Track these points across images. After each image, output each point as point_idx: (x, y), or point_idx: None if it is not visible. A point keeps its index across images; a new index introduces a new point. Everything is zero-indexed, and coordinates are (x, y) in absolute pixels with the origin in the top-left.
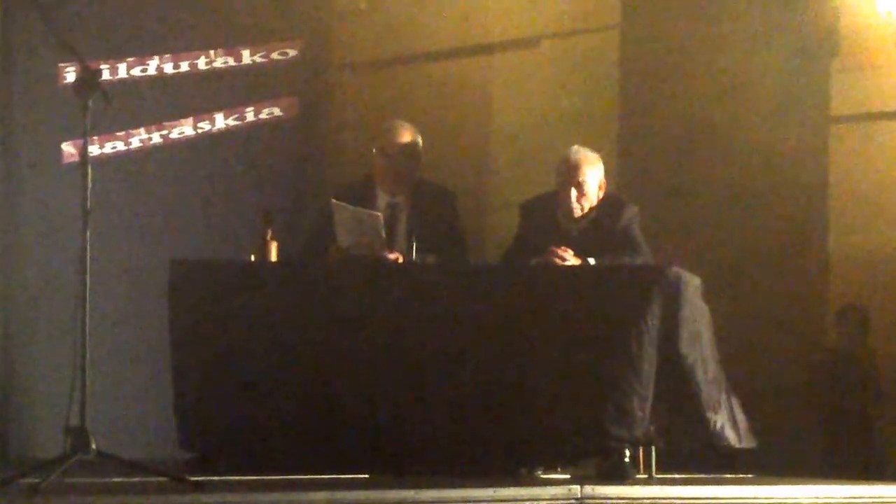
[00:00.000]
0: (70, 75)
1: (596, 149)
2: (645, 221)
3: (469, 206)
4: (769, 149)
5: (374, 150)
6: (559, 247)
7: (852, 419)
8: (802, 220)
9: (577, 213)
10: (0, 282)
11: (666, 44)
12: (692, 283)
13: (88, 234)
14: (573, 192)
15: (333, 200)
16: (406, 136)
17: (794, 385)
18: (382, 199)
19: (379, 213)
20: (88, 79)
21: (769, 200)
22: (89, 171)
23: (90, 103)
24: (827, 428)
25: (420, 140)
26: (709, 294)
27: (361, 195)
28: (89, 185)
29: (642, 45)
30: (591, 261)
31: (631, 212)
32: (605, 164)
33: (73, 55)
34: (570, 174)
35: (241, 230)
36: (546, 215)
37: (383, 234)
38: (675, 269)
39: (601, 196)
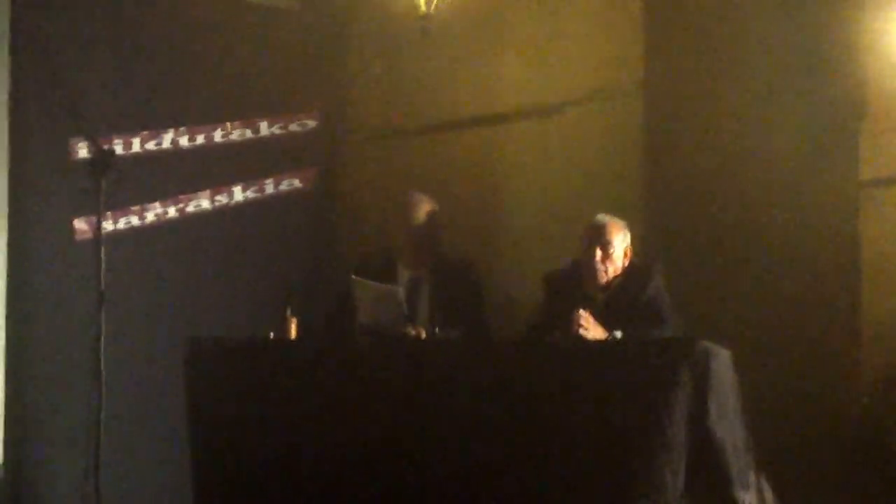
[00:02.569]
0: (82, 150)
1: (621, 217)
2: (672, 287)
3: (491, 276)
4: (798, 214)
5: (394, 224)
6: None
7: (885, 497)
8: (833, 285)
9: (603, 278)
10: (12, 359)
11: (691, 109)
12: (721, 357)
13: (103, 315)
14: (598, 254)
15: (354, 276)
16: (426, 209)
17: (824, 460)
18: (403, 273)
19: (400, 289)
20: (102, 159)
21: (799, 266)
22: (103, 252)
23: (103, 183)
24: None
25: (438, 212)
26: (737, 363)
27: (382, 269)
28: (104, 266)
29: (666, 110)
30: (618, 333)
31: (658, 280)
32: (630, 233)
33: (86, 134)
34: (595, 237)
35: (259, 305)
36: (571, 286)
37: (405, 310)
38: (704, 342)
39: (627, 264)
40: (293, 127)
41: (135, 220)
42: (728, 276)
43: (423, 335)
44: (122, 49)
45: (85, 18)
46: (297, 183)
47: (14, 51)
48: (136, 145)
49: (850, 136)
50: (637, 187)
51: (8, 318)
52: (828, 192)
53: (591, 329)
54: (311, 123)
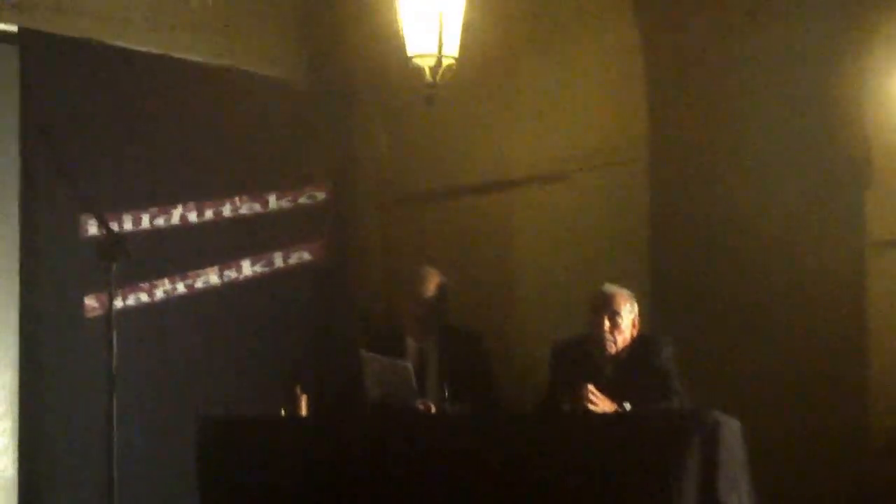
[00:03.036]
0: (92, 227)
1: (628, 286)
2: (680, 355)
3: (501, 342)
4: (804, 276)
5: (402, 296)
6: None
7: None
8: (841, 349)
9: (612, 348)
10: (24, 437)
11: (696, 174)
12: (731, 426)
13: (115, 400)
14: (606, 324)
15: (363, 352)
16: (434, 281)
17: None
18: (411, 344)
19: (409, 364)
20: (111, 244)
21: (806, 330)
22: (115, 336)
23: (113, 267)
24: None
25: (447, 285)
26: (746, 432)
27: (390, 341)
28: (115, 349)
29: (671, 175)
30: (627, 405)
31: (667, 350)
32: (638, 302)
33: (95, 216)
34: (603, 307)
35: (269, 381)
36: (579, 356)
37: (414, 385)
38: (714, 413)
39: (635, 334)
40: (302, 200)
41: (144, 297)
42: (735, 343)
43: (433, 409)
44: (131, 126)
45: (92, 98)
46: (306, 256)
47: (24, 132)
48: (145, 221)
49: (855, 197)
50: (643, 254)
51: (20, 394)
52: (834, 255)
53: (600, 403)
54: (320, 196)
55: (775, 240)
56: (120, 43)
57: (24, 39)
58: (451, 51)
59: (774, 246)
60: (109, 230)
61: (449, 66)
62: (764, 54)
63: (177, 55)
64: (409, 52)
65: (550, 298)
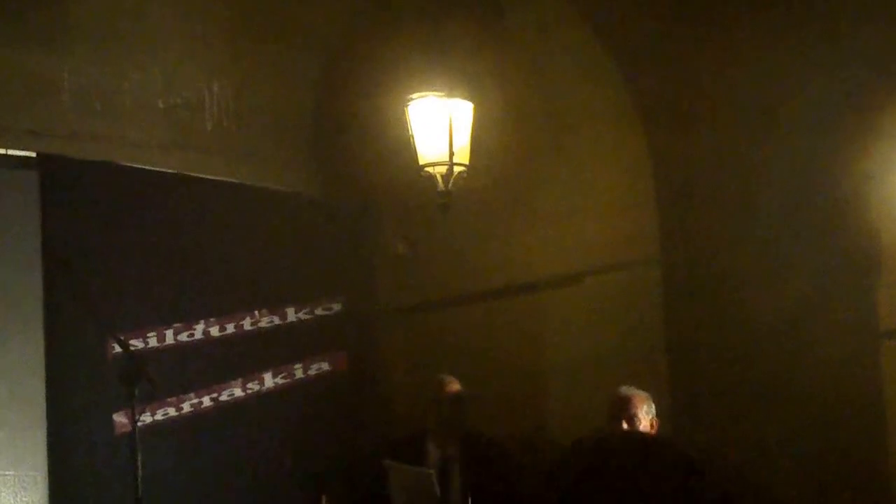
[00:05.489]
0: (118, 347)
1: (645, 387)
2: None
3: (520, 446)
4: (819, 369)
5: (423, 404)
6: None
7: None
8: (858, 440)
9: None
10: None
11: (706, 273)
12: None
13: None
14: (624, 426)
15: (386, 461)
16: (453, 386)
17: None
18: (434, 452)
19: (432, 472)
20: (134, 367)
21: (823, 421)
22: (139, 457)
23: (136, 390)
24: None
25: (465, 392)
26: None
27: (413, 449)
28: (140, 472)
29: (684, 274)
30: None
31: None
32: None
33: (117, 342)
34: (620, 408)
35: (295, 492)
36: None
37: (437, 492)
38: None
39: (654, 435)
40: (319, 311)
41: (172, 412)
42: (753, 435)
43: None
44: (151, 245)
45: (112, 219)
46: (325, 366)
47: (45, 259)
48: (169, 337)
49: (866, 287)
50: (659, 351)
51: None
52: (847, 345)
53: None
54: (337, 307)
55: (788, 330)
56: (137, 165)
57: (43, 164)
58: (462, 158)
59: (788, 337)
60: (130, 353)
61: (460, 174)
62: (770, 154)
63: (194, 174)
64: (421, 162)
65: (574, 400)
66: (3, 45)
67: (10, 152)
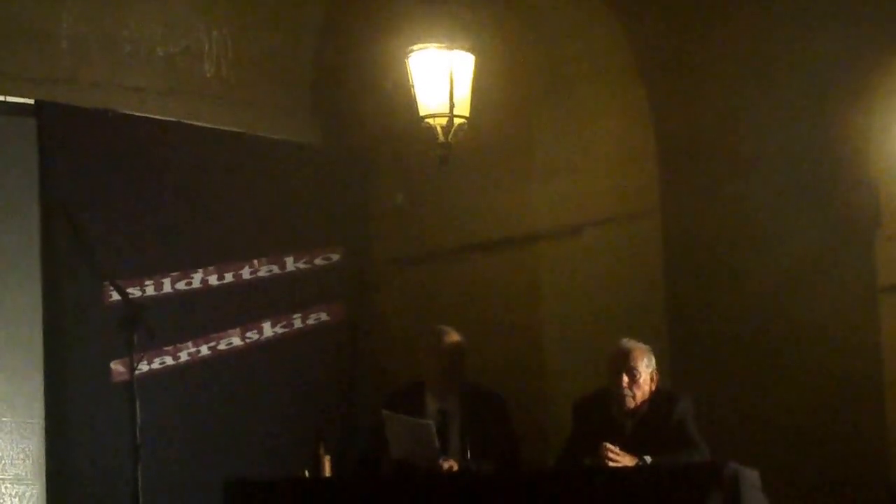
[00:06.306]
0: (115, 294)
1: (645, 340)
2: (699, 407)
3: (521, 400)
4: (818, 324)
5: (421, 355)
6: (612, 443)
7: None
8: (857, 396)
9: (630, 402)
10: (50, 502)
11: (706, 226)
12: (749, 477)
13: (140, 468)
14: (625, 380)
15: (385, 411)
16: (452, 340)
17: None
18: (432, 404)
19: (430, 422)
20: (131, 313)
21: (821, 378)
22: (138, 404)
23: (135, 337)
24: None
25: (464, 343)
26: (764, 482)
27: (411, 401)
28: (138, 415)
29: (683, 229)
30: (648, 458)
31: (685, 404)
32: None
33: (115, 288)
34: (621, 362)
35: (292, 442)
36: (599, 412)
37: (436, 443)
38: (732, 465)
39: (653, 389)
40: (318, 261)
41: (169, 360)
42: (751, 392)
43: (456, 468)
44: (150, 193)
45: (111, 167)
46: (324, 316)
47: (43, 206)
48: (167, 286)
49: (865, 243)
50: (658, 307)
51: (47, 459)
52: (846, 301)
53: (620, 459)
54: (336, 257)
55: (787, 286)
56: (136, 113)
57: (41, 111)
58: (463, 110)
59: (786, 293)
60: (128, 300)
61: (461, 126)
62: (770, 109)
63: (193, 123)
64: (421, 113)
65: (572, 354)
66: None
67: (9, 99)
